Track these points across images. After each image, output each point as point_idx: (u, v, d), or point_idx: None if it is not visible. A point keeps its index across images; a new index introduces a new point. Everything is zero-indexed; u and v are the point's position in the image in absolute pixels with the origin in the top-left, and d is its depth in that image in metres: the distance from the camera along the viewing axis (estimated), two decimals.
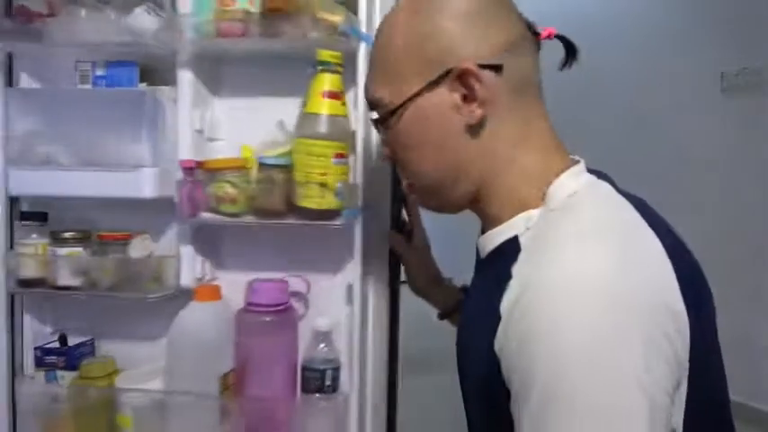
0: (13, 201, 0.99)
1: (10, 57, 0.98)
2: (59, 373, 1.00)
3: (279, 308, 0.96)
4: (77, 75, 0.98)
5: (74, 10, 0.96)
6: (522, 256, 0.55)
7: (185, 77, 0.95)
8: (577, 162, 0.62)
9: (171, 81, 0.98)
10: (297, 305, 1.01)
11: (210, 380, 0.94)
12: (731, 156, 2.20)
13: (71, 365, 1.00)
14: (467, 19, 0.59)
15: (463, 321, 0.70)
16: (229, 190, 0.90)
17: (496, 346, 0.53)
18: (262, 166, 0.90)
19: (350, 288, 0.96)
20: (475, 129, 0.60)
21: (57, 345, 1.02)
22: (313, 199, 0.87)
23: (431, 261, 0.99)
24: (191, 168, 0.93)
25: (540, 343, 0.48)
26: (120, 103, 0.96)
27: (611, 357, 0.46)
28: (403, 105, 0.61)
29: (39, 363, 1.00)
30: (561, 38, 0.65)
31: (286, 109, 0.97)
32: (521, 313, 0.50)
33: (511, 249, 0.57)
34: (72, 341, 1.04)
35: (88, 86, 0.97)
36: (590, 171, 0.62)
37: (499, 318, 0.53)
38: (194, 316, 0.95)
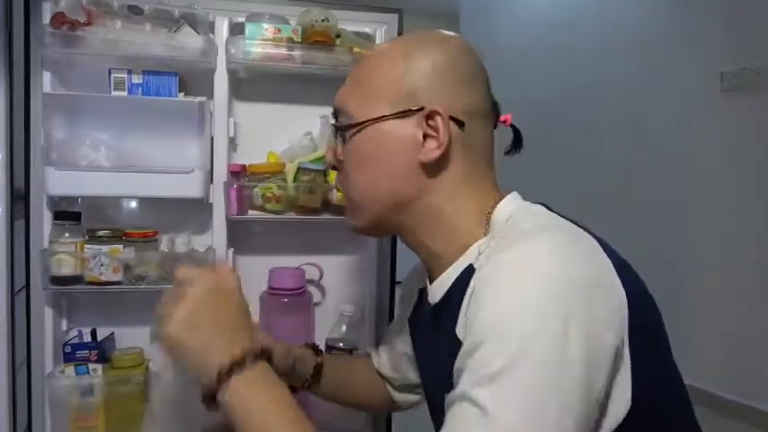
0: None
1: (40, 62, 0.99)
2: (92, 366, 1.04)
3: (295, 291, 1.13)
4: (112, 82, 1.03)
5: (110, 20, 1.02)
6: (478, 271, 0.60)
7: (223, 90, 1.07)
8: (511, 192, 0.69)
9: (203, 90, 1.08)
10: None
11: None
12: (731, 156, 2.13)
13: (102, 358, 1.05)
14: (448, 74, 0.65)
15: (423, 356, 0.79)
16: (276, 191, 1.05)
17: (458, 331, 0.58)
18: (304, 170, 1.06)
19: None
20: (427, 167, 0.65)
21: (88, 339, 1.06)
22: None
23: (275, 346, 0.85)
24: (238, 172, 1.05)
25: (487, 309, 0.52)
26: (164, 110, 1.04)
27: (553, 322, 0.49)
28: (366, 123, 0.65)
29: (68, 358, 1.03)
30: (513, 127, 0.73)
31: (297, 118, 1.16)
32: (476, 296, 0.56)
33: (468, 274, 0.62)
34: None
35: (123, 93, 1.03)
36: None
37: (459, 308, 0.60)
38: None
